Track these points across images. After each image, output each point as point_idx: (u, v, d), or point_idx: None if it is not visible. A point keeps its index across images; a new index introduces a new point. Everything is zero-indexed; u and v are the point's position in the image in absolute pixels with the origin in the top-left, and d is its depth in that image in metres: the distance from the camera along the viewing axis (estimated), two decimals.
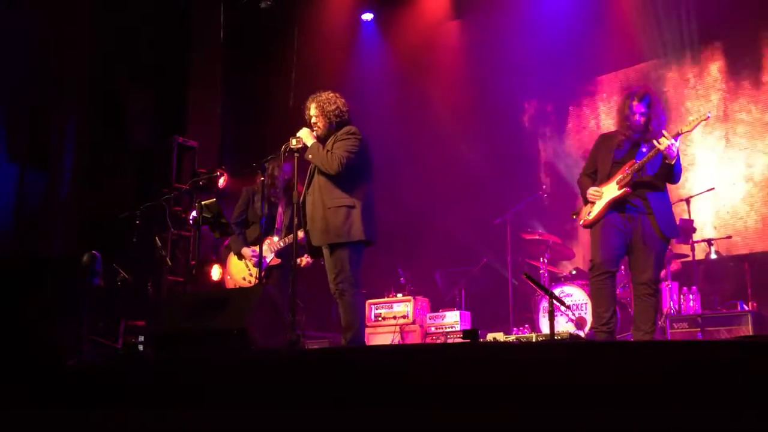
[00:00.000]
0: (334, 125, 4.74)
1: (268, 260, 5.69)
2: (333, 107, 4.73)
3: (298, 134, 4.69)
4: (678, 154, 4.51)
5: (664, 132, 4.42)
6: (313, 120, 4.78)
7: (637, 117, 4.51)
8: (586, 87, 8.91)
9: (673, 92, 8.19)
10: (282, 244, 5.74)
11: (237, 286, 5.90)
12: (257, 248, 5.54)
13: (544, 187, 7.88)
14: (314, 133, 4.76)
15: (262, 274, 5.57)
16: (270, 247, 5.73)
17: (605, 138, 4.81)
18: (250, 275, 5.87)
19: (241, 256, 5.86)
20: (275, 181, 5.84)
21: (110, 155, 8.00)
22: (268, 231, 5.76)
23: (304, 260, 5.79)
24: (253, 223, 5.85)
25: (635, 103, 4.52)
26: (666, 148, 4.35)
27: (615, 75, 8.67)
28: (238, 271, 5.94)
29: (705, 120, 4.53)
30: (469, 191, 8.62)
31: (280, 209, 5.87)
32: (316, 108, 4.77)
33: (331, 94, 4.80)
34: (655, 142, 4.39)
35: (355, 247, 4.58)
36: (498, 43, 8.64)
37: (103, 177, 7.82)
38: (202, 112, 8.67)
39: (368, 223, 4.58)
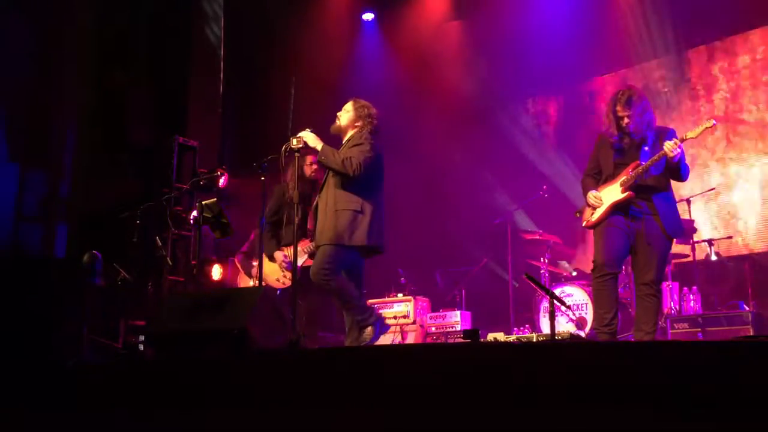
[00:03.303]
0: (359, 123, 4.82)
1: (301, 262, 5.58)
2: (367, 111, 4.85)
3: (301, 135, 4.68)
4: (683, 154, 4.52)
5: (674, 139, 4.40)
6: (341, 113, 4.87)
7: (624, 120, 4.51)
8: (586, 87, 8.90)
9: (674, 92, 8.18)
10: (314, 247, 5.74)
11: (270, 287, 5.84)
12: (289, 251, 5.57)
13: (545, 187, 7.88)
14: (336, 122, 4.85)
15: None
16: (303, 249, 5.70)
17: (605, 137, 4.77)
18: (284, 276, 5.82)
19: (273, 258, 5.76)
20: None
21: (110, 155, 8.00)
22: (302, 233, 5.67)
23: None
24: (287, 224, 5.67)
25: (618, 107, 4.51)
26: (674, 155, 4.35)
27: (615, 75, 8.67)
28: (272, 271, 5.84)
29: (710, 128, 4.52)
30: (469, 191, 8.62)
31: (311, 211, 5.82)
32: (352, 105, 4.88)
33: (367, 103, 4.92)
34: (666, 147, 4.36)
35: (353, 250, 4.63)
36: (498, 43, 8.64)
37: (104, 177, 7.82)
38: (203, 112, 8.66)
39: (374, 230, 4.61)
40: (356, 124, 4.82)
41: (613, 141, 4.57)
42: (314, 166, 5.80)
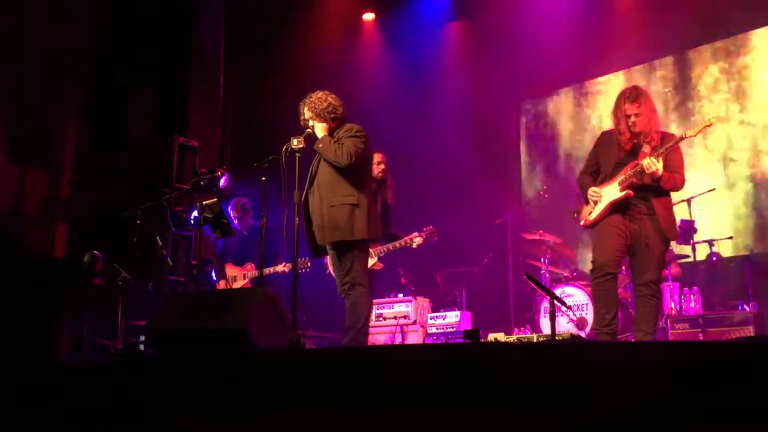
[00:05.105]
0: (328, 116, 4.70)
1: (369, 265, 5.37)
2: (325, 105, 4.69)
3: (309, 130, 4.67)
4: (682, 161, 4.52)
5: (649, 158, 4.37)
6: (310, 123, 4.74)
7: (631, 119, 4.49)
8: (586, 88, 8.90)
9: (674, 92, 8.18)
10: (391, 247, 5.80)
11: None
12: None
13: (545, 187, 7.89)
14: (312, 132, 4.76)
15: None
16: (373, 251, 5.56)
17: (607, 136, 4.75)
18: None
19: None
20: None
21: (111, 155, 8.00)
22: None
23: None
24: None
25: (627, 105, 4.49)
26: (652, 172, 4.35)
27: (616, 76, 8.66)
28: None
29: (709, 125, 4.51)
30: (469, 191, 8.61)
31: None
32: (308, 110, 4.73)
33: (321, 93, 4.74)
34: (644, 164, 4.36)
35: (361, 245, 4.59)
36: (498, 43, 8.63)
37: (104, 177, 7.82)
38: (203, 112, 8.66)
39: (371, 222, 4.59)
40: (326, 118, 4.70)
41: (618, 139, 4.56)
42: (381, 166, 5.82)
